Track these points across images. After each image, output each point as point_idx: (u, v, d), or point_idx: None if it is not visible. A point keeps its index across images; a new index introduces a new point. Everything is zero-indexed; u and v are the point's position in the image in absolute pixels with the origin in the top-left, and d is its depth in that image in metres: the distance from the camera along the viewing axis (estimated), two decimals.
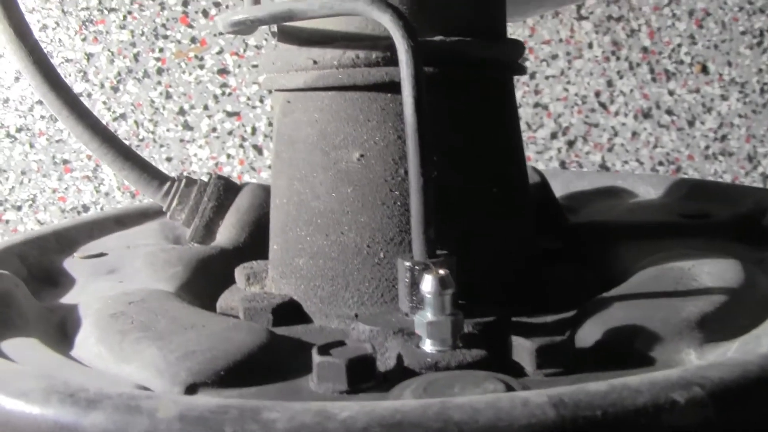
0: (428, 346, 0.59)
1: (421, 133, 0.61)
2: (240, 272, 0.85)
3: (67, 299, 0.82)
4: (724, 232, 0.93)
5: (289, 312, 0.75)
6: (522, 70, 0.80)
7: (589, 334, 0.64)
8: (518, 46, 0.79)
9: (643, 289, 0.70)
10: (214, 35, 1.75)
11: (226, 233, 0.96)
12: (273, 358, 0.62)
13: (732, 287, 0.68)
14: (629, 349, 0.61)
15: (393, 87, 0.69)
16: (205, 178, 1.00)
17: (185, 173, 1.75)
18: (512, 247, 0.77)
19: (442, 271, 0.59)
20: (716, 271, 0.72)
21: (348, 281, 0.73)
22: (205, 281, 0.86)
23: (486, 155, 0.75)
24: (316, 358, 0.57)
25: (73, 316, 0.73)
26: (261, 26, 0.79)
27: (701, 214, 0.98)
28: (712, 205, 1.03)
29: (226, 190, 0.99)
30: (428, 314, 0.59)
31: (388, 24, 0.62)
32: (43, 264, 0.91)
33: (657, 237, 0.90)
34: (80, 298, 0.80)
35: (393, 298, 0.70)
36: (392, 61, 0.67)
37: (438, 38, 0.71)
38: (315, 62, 0.71)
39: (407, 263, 0.62)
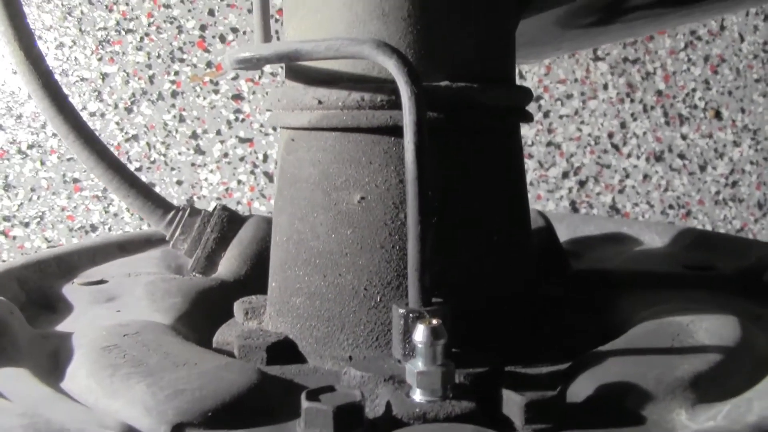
0: (418, 395, 0.59)
1: (421, 181, 0.61)
2: (239, 307, 0.85)
3: (63, 326, 0.82)
4: (727, 285, 0.92)
5: (284, 351, 0.75)
6: (529, 117, 0.80)
7: (581, 388, 0.63)
8: (526, 93, 0.79)
9: (640, 343, 0.70)
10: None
11: (228, 265, 0.96)
12: (262, 401, 0.62)
13: (728, 346, 0.68)
14: (620, 406, 0.61)
15: (396, 131, 0.69)
16: (209, 209, 1.00)
17: (195, 197, 1.76)
18: (511, 295, 0.77)
19: (435, 321, 0.58)
20: (714, 329, 0.71)
21: (344, 323, 0.72)
22: (204, 313, 0.86)
23: (488, 202, 0.75)
24: (305, 403, 0.56)
25: (67, 345, 0.73)
26: (267, 65, 0.79)
27: (705, 266, 0.98)
28: (716, 257, 1.03)
29: (230, 221, 0.99)
30: (419, 363, 0.58)
31: (392, 69, 0.62)
32: (42, 289, 0.91)
33: (660, 288, 0.90)
34: (76, 326, 0.80)
35: (388, 342, 0.70)
36: (397, 104, 0.67)
37: (444, 83, 0.71)
38: (320, 102, 0.71)
39: (402, 310, 0.62)
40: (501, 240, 0.75)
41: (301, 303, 0.75)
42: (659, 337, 0.71)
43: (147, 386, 0.61)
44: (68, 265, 0.99)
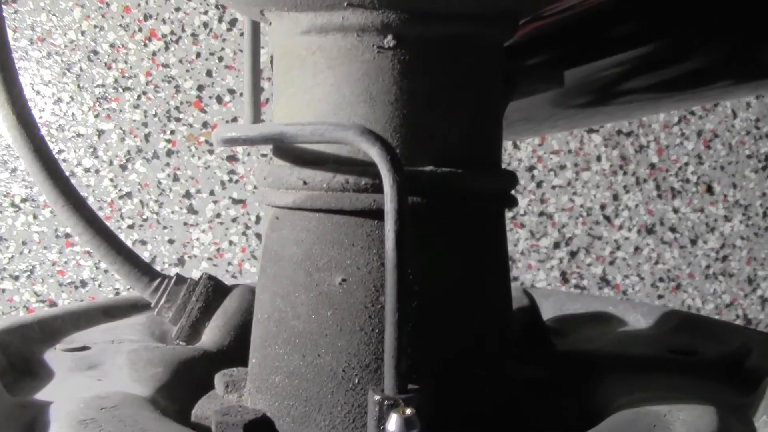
0: None
1: (400, 268, 0.62)
2: (219, 379, 0.85)
3: (43, 394, 0.81)
4: (709, 371, 0.92)
5: (262, 429, 0.74)
6: (513, 203, 0.80)
7: None
8: (511, 178, 0.80)
9: None
10: (227, 121, 1.77)
11: (212, 335, 0.96)
12: None
13: None
14: None
15: (380, 214, 0.69)
16: (199, 270, 1.00)
17: (186, 256, 1.76)
18: (490, 379, 0.77)
19: (408, 411, 0.59)
20: (691, 420, 0.71)
21: (321, 404, 0.72)
22: (185, 384, 0.85)
23: (469, 287, 0.75)
24: None
25: (44, 417, 0.72)
26: (252, 145, 0.80)
27: (688, 351, 0.98)
28: (700, 341, 1.03)
29: (215, 291, 0.99)
30: None
31: (375, 157, 0.63)
32: (24, 354, 0.91)
33: (642, 371, 0.90)
34: (55, 394, 0.80)
35: (364, 424, 0.70)
36: (381, 188, 0.67)
37: (429, 168, 0.72)
38: (305, 183, 0.72)
39: (377, 397, 0.62)
40: (482, 324, 0.76)
41: (280, 381, 0.75)
42: (636, 427, 0.71)
43: None
44: (51, 329, 0.99)
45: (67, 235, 1.75)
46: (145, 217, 1.77)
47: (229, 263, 1.80)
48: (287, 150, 0.76)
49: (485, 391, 0.76)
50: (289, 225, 0.75)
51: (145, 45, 1.76)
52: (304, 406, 0.73)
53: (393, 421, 0.58)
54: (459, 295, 0.75)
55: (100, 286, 1.77)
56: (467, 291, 0.75)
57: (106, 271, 1.77)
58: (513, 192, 0.82)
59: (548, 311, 1.21)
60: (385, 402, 0.62)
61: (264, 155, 1.76)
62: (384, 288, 0.70)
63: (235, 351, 0.93)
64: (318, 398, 0.73)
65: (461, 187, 0.73)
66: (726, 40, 0.88)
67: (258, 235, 1.79)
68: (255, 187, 1.78)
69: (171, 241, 1.77)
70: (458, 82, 0.74)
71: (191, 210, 1.78)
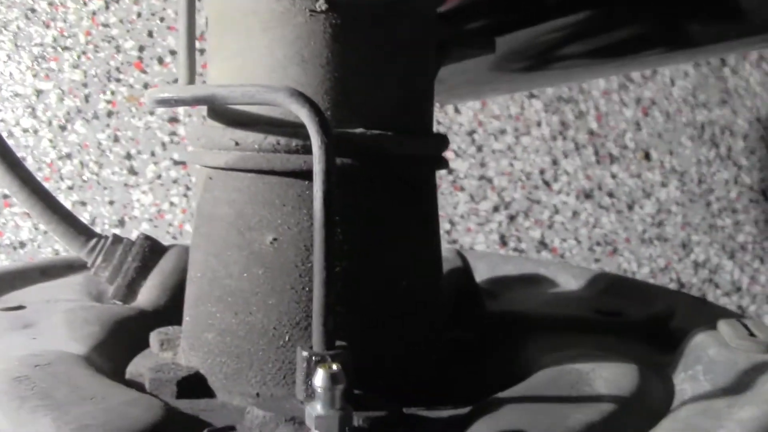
0: None
1: (328, 228, 0.63)
2: (154, 337, 0.86)
3: None
4: (635, 332, 0.95)
5: (194, 385, 0.76)
6: (444, 165, 0.82)
7: None
8: (442, 141, 0.81)
9: (539, 391, 0.72)
10: (168, 83, 1.77)
11: (148, 295, 0.97)
12: None
13: (624, 396, 0.70)
14: None
15: (310, 175, 0.69)
16: (137, 232, 1.01)
17: (126, 217, 1.76)
18: (417, 339, 0.79)
19: (335, 366, 0.60)
20: (612, 378, 0.73)
21: (252, 361, 0.74)
22: (121, 343, 0.86)
23: (397, 249, 0.77)
24: None
25: None
26: (184, 106, 0.81)
27: (615, 312, 1.00)
28: (628, 303, 1.05)
29: (152, 251, 1.00)
30: (318, 407, 0.60)
31: (304, 118, 0.64)
32: None
33: (569, 332, 0.92)
34: None
35: (294, 380, 0.71)
36: (311, 149, 0.68)
37: (359, 130, 0.73)
38: (237, 143, 0.73)
39: (305, 353, 0.64)
40: (409, 285, 0.77)
41: (213, 339, 0.76)
42: (558, 384, 0.73)
43: (52, 420, 0.62)
44: None
45: (5, 196, 1.74)
46: (85, 178, 1.76)
47: (170, 224, 1.80)
48: (220, 111, 0.77)
49: (412, 350, 0.78)
50: (222, 185, 0.76)
51: (85, 4, 1.74)
52: (236, 363, 0.75)
53: (320, 376, 0.60)
54: (387, 255, 0.76)
55: (39, 246, 1.76)
56: (396, 251, 0.77)
57: (45, 233, 1.76)
58: (448, 155, 0.84)
59: (482, 273, 1.23)
60: (313, 358, 0.63)
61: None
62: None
63: (170, 310, 0.94)
64: (249, 355, 0.74)
65: (390, 149, 0.75)
66: (653, 13, 0.90)
67: None
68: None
69: (111, 203, 1.77)
70: (390, 47, 0.75)
71: (132, 171, 1.77)
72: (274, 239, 0.73)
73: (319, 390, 0.60)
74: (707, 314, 0.91)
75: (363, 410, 0.64)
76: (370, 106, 0.75)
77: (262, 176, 0.73)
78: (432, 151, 0.80)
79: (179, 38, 0.81)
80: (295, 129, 0.71)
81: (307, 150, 0.71)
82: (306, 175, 0.72)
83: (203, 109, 0.80)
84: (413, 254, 0.79)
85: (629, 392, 0.71)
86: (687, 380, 0.76)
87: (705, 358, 0.75)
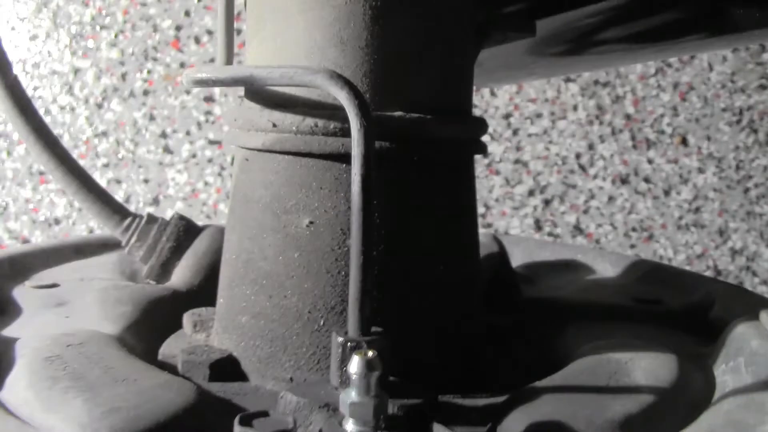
0: (350, 425, 0.59)
1: (366, 212, 0.62)
2: (188, 318, 0.85)
3: (10, 330, 0.82)
4: (673, 320, 0.93)
5: (227, 368, 0.75)
6: (482, 150, 0.81)
7: (513, 424, 0.64)
8: (480, 125, 0.80)
9: (577, 381, 0.71)
10: (204, 62, 1.76)
11: (181, 275, 0.96)
12: (198, 421, 0.62)
13: (663, 387, 0.69)
14: None
15: (348, 158, 0.69)
16: (173, 210, 1.00)
17: (161, 196, 1.76)
18: (454, 325, 0.78)
19: (371, 353, 0.59)
20: (651, 368, 0.72)
21: (287, 345, 0.73)
22: (153, 323, 0.86)
23: (435, 232, 0.76)
24: (237, 428, 0.57)
25: (9, 353, 0.73)
26: (222, 86, 0.80)
27: (653, 300, 0.99)
28: (666, 291, 1.04)
29: (186, 231, 0.99)
30: (353, 394, 0.59)
31: (343, 101, 0.63)
32: None
33: (607, 320, 0.91)
34: (23, 331, 0.80)
35: (329, 366, 0.71)
36: (349, 132, 0.67)
37: (398, 114, 0.72)
38: (275, 125, 0.72)
39: (340, 339, 0.63)
40: (446, 270, 0.76)
41: (247, 322, 0.76)
42: (596, 374, 0.72)
43: (83, 401, 0.62)
44: (21, 266, 0.99)
45: (41, 173, 1.75)
46: (120, 156, 1.77)
47: (204, 204, 1.80)
48: (258, 92, 0.76)
49: (448, 336, 0.77)
50: (259, 167, 0.75)
51: None
52: (269, 347, 0.74)
53: (355, 363, 0.59)
54: (425, 239, 0.75)
55: (73, 224, 1.77)
56: (433, 235, 0.76)
57: (80, 209, 1.76)
58: (483, 139, 0.83)
59: (518, 258, 1.22)
60: (348, 344, 0.63)
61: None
62: (350, 231, 0.70)
63: (204, 291, 0.94)
64: (283, 339, 0.73)
65: (429, 133, 0.74)
66: None
67: None
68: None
69: (146, 181, 1.77)
70: (429, 29, 0.74)
71: (167, 150, 1.77)
72: (311, 222, 0.72)
73: (354, 376, 0.59)
74: (747, 303, 0.90)
75: (398, 398, 0.63)
76: (409, 89, 0.74)
77: (299, 158, 0.72)
78: (471, 134, 0.79)
79: (218, 18, 0.80)
80: (334, 111, 0.71)
81: (345, 133, 0.70)
82: (344, 158, 0.71)
83: (240, 90, 0.79)
84: (450, 239, 0.78)
85: (669, 383, 0.70)
86: (728, 372, 0.74)
87: (747, 350, 0.74)
